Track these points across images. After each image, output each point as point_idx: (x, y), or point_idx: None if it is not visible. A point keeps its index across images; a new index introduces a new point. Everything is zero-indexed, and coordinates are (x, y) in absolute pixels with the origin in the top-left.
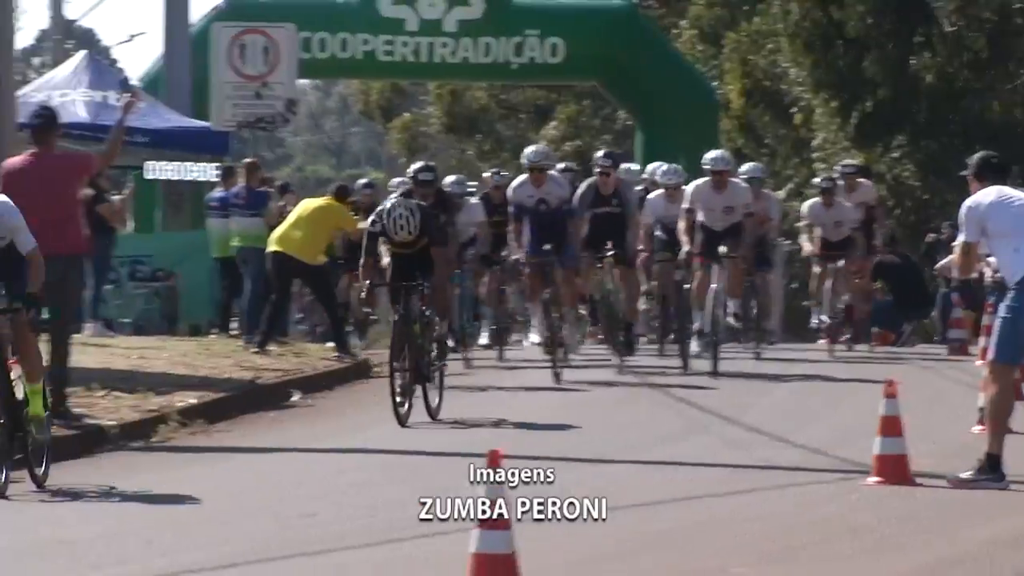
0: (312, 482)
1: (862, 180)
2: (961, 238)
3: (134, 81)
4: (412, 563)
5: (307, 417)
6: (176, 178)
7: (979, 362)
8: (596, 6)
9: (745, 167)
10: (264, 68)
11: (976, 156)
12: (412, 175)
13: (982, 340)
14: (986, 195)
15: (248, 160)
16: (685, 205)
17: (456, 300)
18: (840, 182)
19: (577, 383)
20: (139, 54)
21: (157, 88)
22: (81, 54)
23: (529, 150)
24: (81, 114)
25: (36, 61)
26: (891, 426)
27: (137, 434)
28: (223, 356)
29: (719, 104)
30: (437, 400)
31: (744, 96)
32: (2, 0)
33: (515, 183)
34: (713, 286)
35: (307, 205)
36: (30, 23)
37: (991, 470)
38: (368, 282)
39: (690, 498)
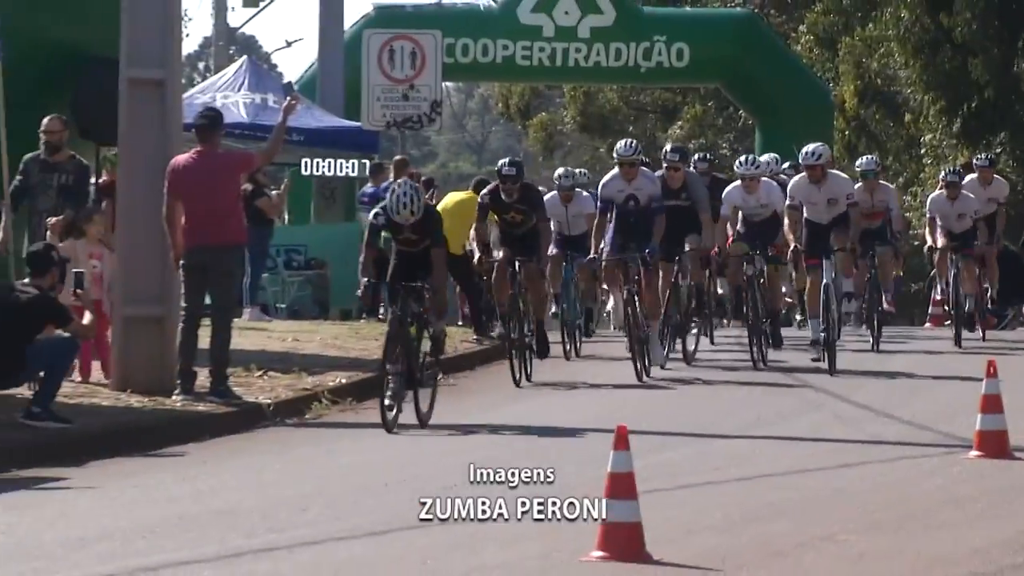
0: (451, 455)
1: (996, 176)
2: None
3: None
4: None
5: (448, 395)
6: (329, 174)
7: None
8: (720, 14)
9: (860, 160)
10: (411, 72)
11: None
12: (497, 170)
13: None
14: None
15: (397, 157)
16: (788, 202)
17: (565, 290)
18: (969, 176)
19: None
20: (296, 59)
21: (312, 90)
22: (242, 59)
23: (620, 144)
24: (242, 115)
25: (201, 66)
26: (991, 404)
27: (291, 411)
28: (372, 339)
29: (834, 105)
30: (428, 406)
31: (857, 97)
32: (170, 9)
33: (606, 177)
34: (824, 282)
35: (450, 199)
36: (196, 31)
37: None
38: (366, 279)
39: (802, 471)
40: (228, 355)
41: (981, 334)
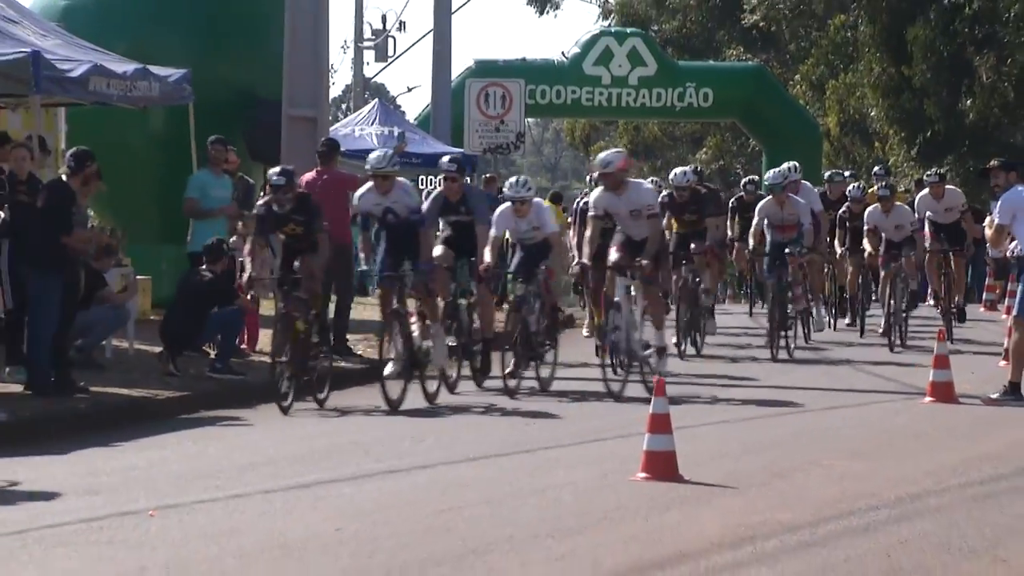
0: (521, 405)
1: (949, 187)
2: (996, 221)
3: (409, 124)
4: (602, 458)
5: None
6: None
7: (1004, 316)
8: (736, 66)
9: (767, 175)
10: (502, 110)
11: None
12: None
13: (1007, 301)
14: (1021, 191)
15: (487, 175)
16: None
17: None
18: (921, 192)
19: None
20: (415, 101)
21: (427, 124)
22: (374, 101)
23: (372, 155)
24: (374, 143)
25: (344, 107)
26: (941, 361)
27: None
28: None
29: (821, 135)
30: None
31: (839, 128)
32: (320, 63)
33: (359, 191)
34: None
35: None
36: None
37: (1012, 393)
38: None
39: (795, 412)
40: (348, 324)
41: (899, 341)
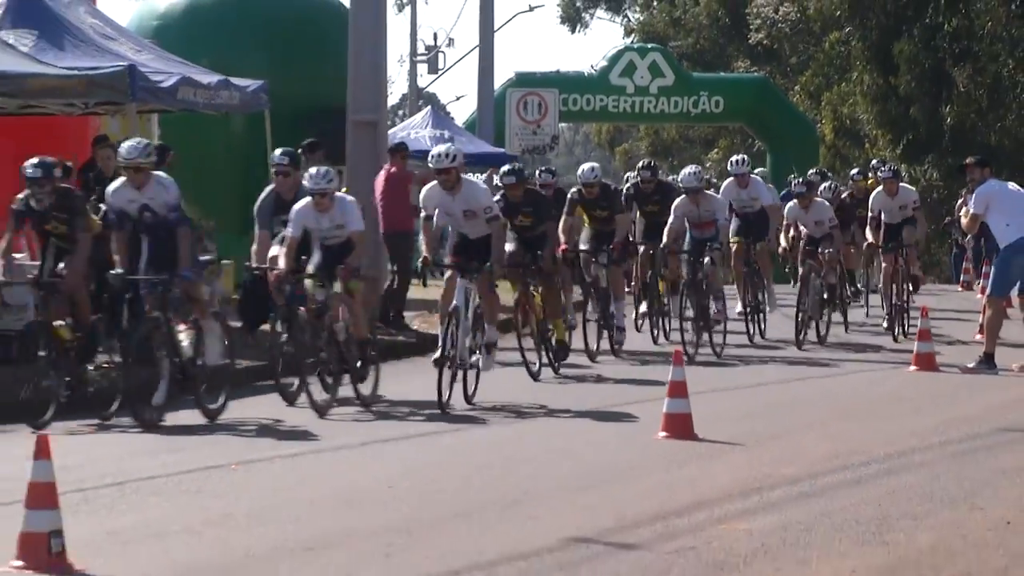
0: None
1: (902, 184)
2: (971, 210)
3: (458, 128)
4: (624, 420)
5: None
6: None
7: (979, 296)
8: (744, 77)
9: (682, 174)
10: (538, 116)
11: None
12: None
13: (981, 281)
14: (993, 184)
15: (543, 169)
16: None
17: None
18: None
19: None
20: (463, 108)
21: (474, 128)
22: (427, 108)
23: (124, 146)
24: (427, 144)
25: (400, 113)
26: (925, 335)
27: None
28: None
29: (819, 137)
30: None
31: (834, 132)
32: (380, 75)
33: (111, 187)
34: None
35: None
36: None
37: (987, 363)
38: None
39: (794, 380)
40: (405, 303)
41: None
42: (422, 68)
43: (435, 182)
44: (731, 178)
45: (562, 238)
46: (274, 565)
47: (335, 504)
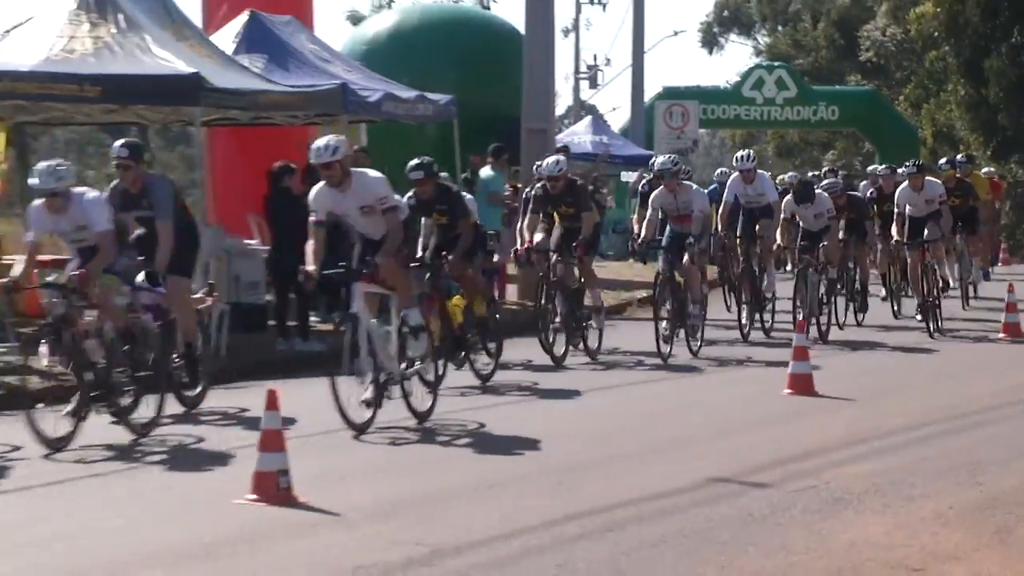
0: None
1: (928, 178)
2: None
3: (614, 134)
4: (752, 379)
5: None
6: (632, 179)
7: None
8: (856, 90)
9: (656, 159)
10: (681, 123)
11: None
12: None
13: None
14: None
15: (667, 157)
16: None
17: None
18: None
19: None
20: (618, 117)
21: (627, 134)
22: (588, 117)
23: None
24: (588, 148)
25: (565, 122)
26: (1011, 307)
27: (615, 313)
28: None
29: (920, 140)
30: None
31: (933, 137)
32: (549, 88)
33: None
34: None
35: None
36: (561, 102)
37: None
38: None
39: (894, 348)
40: None
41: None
42: (584, 84)
43: (322, 182)
44: (736, 173)
45: (526, 235)
46: (460, 498)
47: (513, 447)
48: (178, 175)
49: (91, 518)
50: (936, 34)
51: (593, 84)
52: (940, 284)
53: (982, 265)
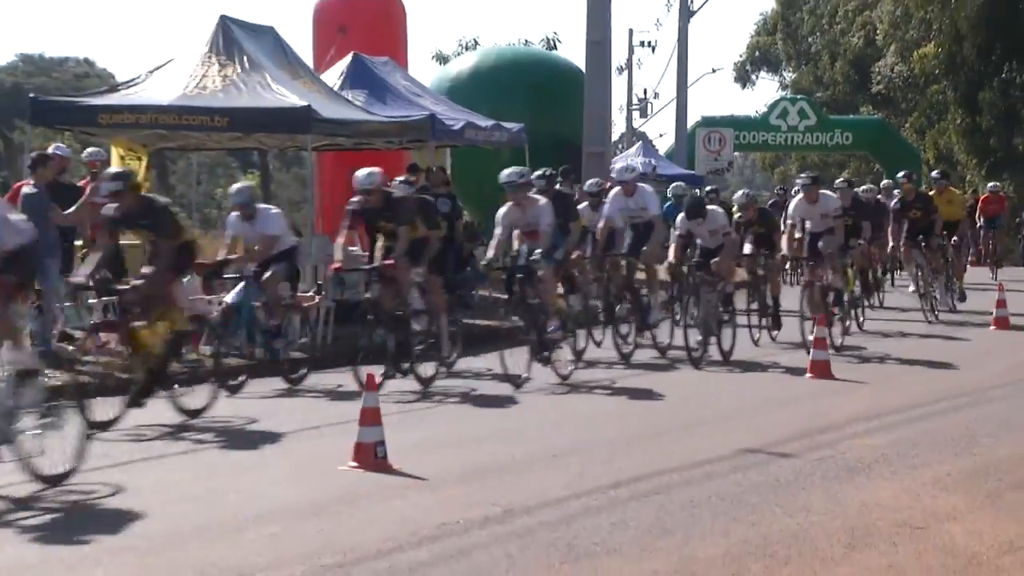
0: None
1: (823, 191)
2: None
3: (660, 156)
4: (773, 356)
5: None
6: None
7: None
8: (866, 119)
9: (502, 173)
10: (718, 147)
11: None
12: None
13: None
14: None
15: (709, 187)
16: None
17: None
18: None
19: None
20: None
21: (672, 156)
22: (639, 142)
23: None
24: (640, 169)
25: (619, 146)
26: (1001, 303)
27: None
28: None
29: (922, 161)
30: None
31: (935, 159)
32: (606, 116)
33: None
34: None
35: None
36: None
37: None
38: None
39: (896, 339)
40: None
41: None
42: (636, 114)
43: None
44: (617, 187)
45: (338, 254)
46: (530, 465)
47: (574, 424)
48: (292, 192)
49: (216, 482)
50: (937, 71)
51: (643, 114)
52: (832, 299)
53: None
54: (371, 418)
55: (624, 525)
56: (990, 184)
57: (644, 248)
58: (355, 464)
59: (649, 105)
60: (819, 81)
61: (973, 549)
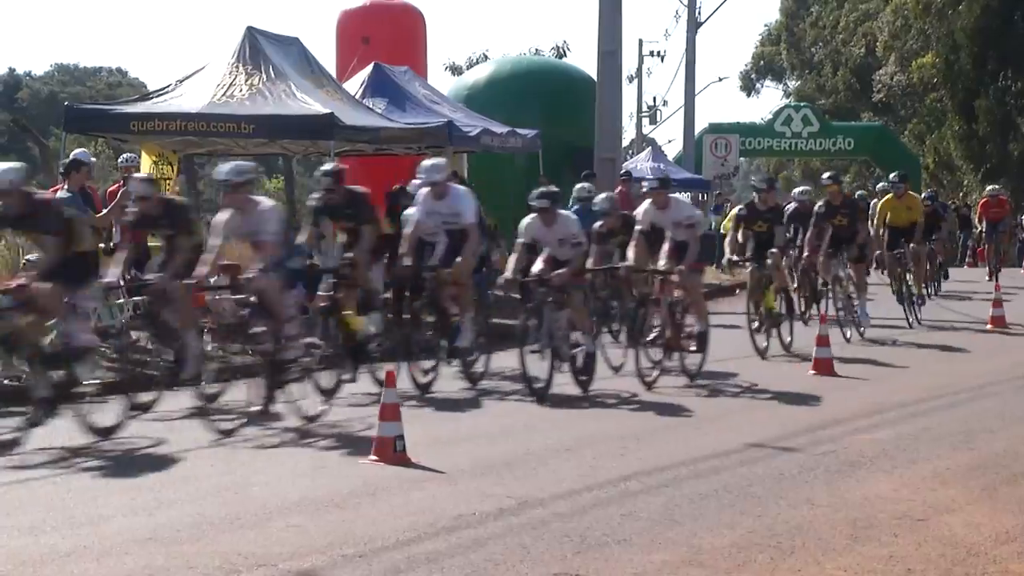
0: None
1: (676, 196)
2: None
3: (669, 161)
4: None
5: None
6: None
7: None
8: (868, 125)
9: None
10: (725, 152)
11: None
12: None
13: None
14: None
15: (719, 192)
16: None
17: None
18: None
19: None
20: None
21: (680, 161)
22: (648, 148)
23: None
24: (647, 173)
25: (629, 152)
26: (998, 303)
27: None
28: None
29: (921, 166)
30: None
31: (935, 163)
32: (616, 125)
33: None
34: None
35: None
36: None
37: None
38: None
39: (894, 335)
40: None
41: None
42: (645, 121)
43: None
44: (427, 188)
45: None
46: (543, 459)
47: (585, 419)
48: None
49: (240, 475)
50: (935, 79)
51: (653, 121)
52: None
53: (918, 290)
54: (390, 413)
55: (634, 517)
56: (989, 187)
57: (457, 259)
58: (375, 458)
59: (658, 112)
60: (822, 89)
61: (971, 540)
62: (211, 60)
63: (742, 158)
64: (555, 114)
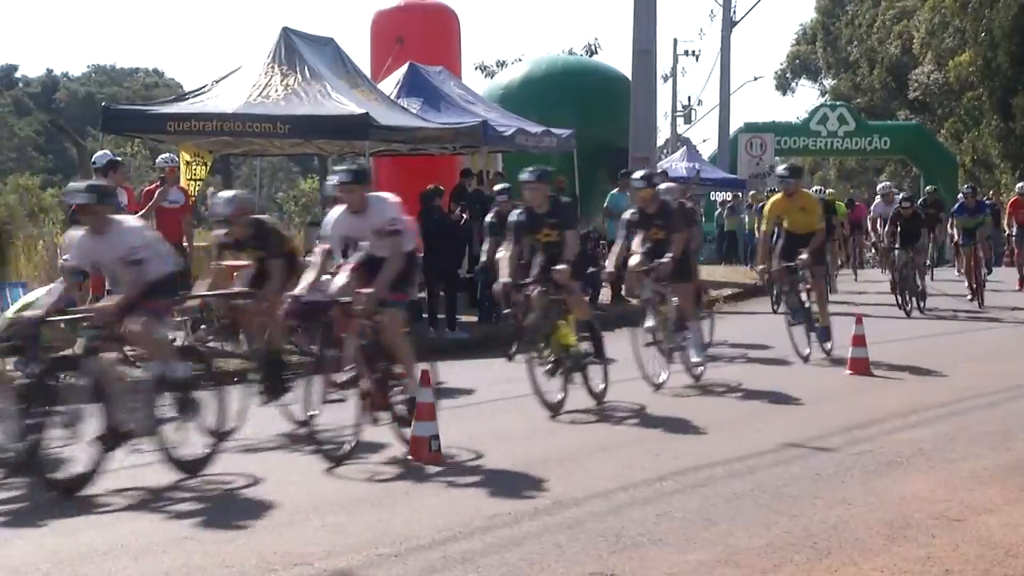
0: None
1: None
2: None
3: (704, 161)
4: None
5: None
6: (719, 198)
7: None
8: (904, 124)
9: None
10: (760, 152)
11: None
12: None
13: None
14: None
15: (753, 192)
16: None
17: None
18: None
19: None
20: (708, 147)
21: (715, 161)
22: (683, 147)
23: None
24: (683, 173)
25: (664, 151)
26: None
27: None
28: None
29: (959, 165)
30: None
31: (972, 161)
32: (651, 123)
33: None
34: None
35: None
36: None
37: None
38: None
39: (941, 333)
40: None
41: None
42: (680, 120)
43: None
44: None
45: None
46: (579, 458)
47: (623, 419)
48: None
49: (277, 474)
50: (972, 78)
51: (688, 120)
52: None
53: (821, 322)
54: (426, 413)
55: (670, 516)
56: (1019, 184)
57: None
58: (411, 457)
59: (693, 111)
60: (857, 88)
61: (1010, 541)
62: (247, 61)
63: (777, 157)
64: (590, 114)
